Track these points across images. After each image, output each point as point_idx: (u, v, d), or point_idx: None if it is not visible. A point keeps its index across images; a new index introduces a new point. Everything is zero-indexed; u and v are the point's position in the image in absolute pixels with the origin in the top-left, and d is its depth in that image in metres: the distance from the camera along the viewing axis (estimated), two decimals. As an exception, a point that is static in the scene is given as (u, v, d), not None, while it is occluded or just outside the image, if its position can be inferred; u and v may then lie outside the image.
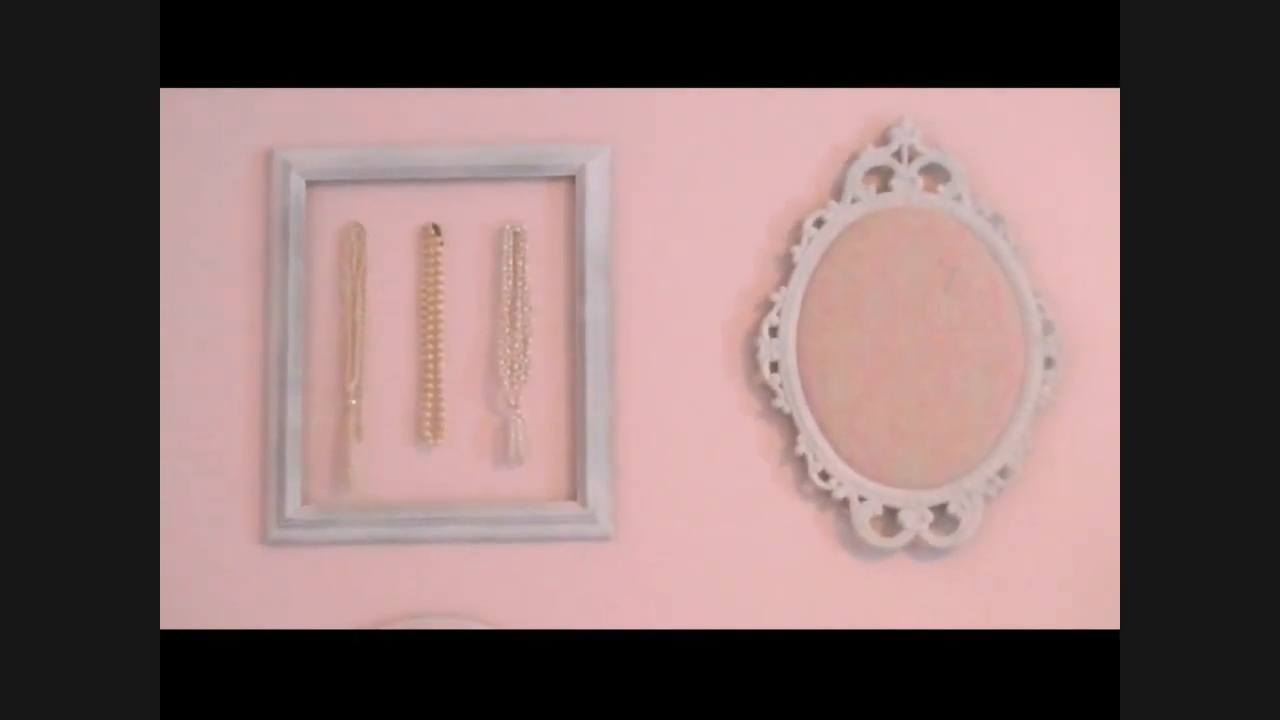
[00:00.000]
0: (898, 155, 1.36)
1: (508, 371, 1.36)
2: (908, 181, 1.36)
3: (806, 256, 1.35)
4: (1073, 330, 1.35)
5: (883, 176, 1.37)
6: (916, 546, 1.33)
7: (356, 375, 1.36)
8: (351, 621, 1.34)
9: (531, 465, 1.36)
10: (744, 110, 1.38)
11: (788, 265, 1.36)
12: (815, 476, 1.34)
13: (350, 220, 1.39)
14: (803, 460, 1.34)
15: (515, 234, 1.38)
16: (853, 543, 1.34)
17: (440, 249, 1.38)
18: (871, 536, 1.33)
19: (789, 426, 1.35)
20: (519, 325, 1.37)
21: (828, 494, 1.34)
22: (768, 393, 1.35)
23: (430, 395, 1.36)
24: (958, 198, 1.36)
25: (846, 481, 1.34)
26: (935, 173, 1.36)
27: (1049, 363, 1.34)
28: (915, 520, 1.33)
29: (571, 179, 1.37)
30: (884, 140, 1.37)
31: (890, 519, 1.34)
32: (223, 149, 1.39)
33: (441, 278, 1.38)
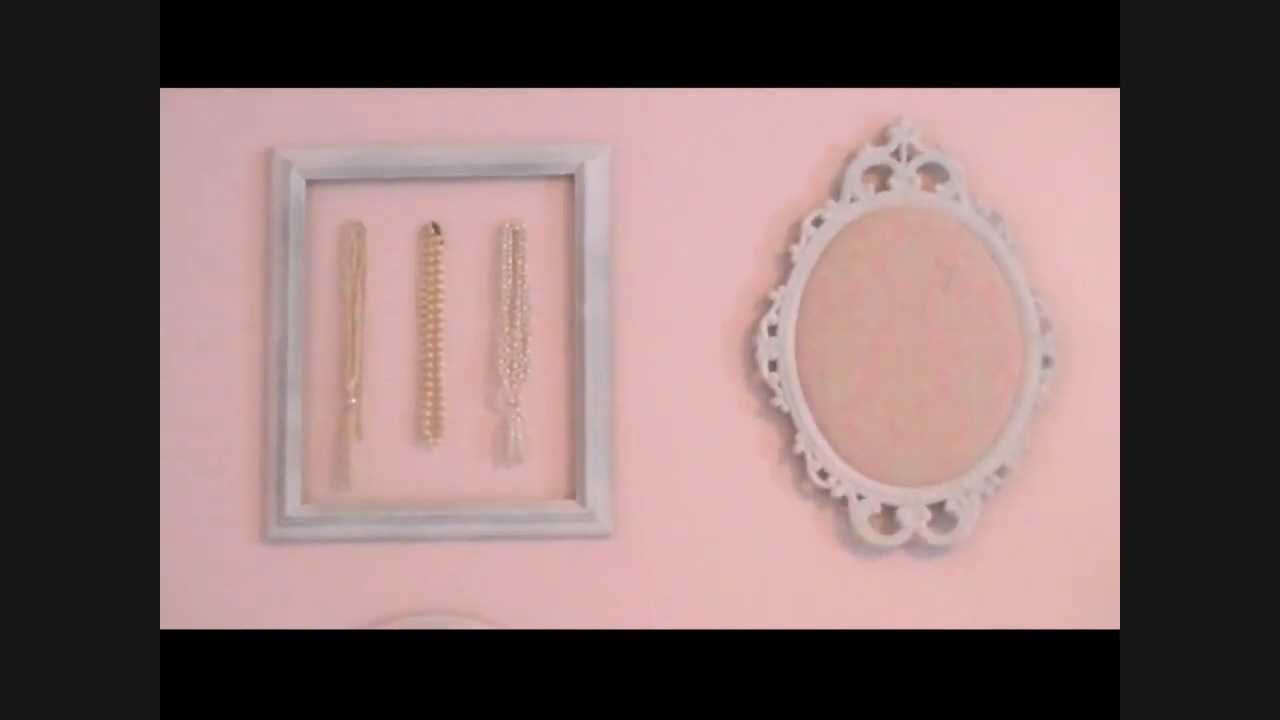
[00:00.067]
0: (896, 154, 1.36)
1: (507, 370, 1.36)
2: (906, 181, 1.36)
3: (805, 255, 1.35)
4: (1071, 329, 1.36)
5: (881, 176, 1.37)
6: (915, 545, 1.34)
7: (356, 374, 1.37)
8: (351, 620, 1.34)
9: (531, 464, 1.36)
10: (743, 110, 1.38)
11: (786, 264, 1.36)
12: (814, 475, 1.34)
13: (350, 219, 1.39)
14: (801, 459, 1.34)
15: (515, 233, 1.38)
16: (851, 541, 1.35)
17: (440, 248, 1.38)
18: (870, 535, 1.33)
19: (788, 425, 1.35)
20: (518, 324, 1.37)
21: (826, 492, 1.34)
22: (766, 391, 1.35)
23: (430, 394, 1.36)
24: (956, 197, 1.36)
25: (845, 480, 1.34)
26: (934, 172, 1.37)
27: (1047, 362, 1.34)
28: (913, 518, 1.33)
29: (571, 178, 1.38)
30: (883, 139, 1.37)
31: (888, 517, 1.34)
32: (223, 149, 1.39)
33: (441, 277, 1.38)
